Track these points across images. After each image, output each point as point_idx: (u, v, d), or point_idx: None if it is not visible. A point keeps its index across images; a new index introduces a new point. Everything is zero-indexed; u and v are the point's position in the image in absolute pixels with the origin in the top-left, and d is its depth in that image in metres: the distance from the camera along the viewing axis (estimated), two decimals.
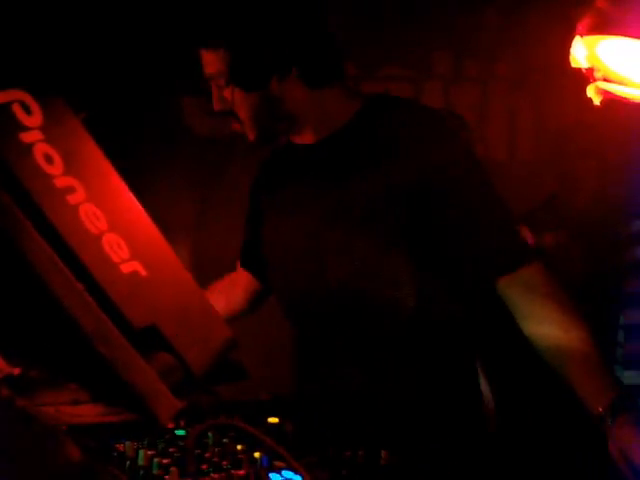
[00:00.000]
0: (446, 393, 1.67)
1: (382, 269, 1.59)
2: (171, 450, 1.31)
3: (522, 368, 2.33)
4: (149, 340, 0.90)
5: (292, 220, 1.74)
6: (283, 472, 1.24)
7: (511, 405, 2.29)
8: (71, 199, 0.86)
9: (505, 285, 1.59)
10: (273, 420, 1.42)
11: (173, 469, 1.21)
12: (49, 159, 0.85)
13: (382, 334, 1.63)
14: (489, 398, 1.96)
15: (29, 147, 0.83)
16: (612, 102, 1.33)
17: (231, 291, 2.07)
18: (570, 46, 1.36)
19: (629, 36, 1.25)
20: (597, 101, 1.33)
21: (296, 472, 1.23)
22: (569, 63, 1.35)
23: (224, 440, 1.34)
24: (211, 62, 1.65)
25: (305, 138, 1.74)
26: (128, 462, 1.25)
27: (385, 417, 1.64)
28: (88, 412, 1.02)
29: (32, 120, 0.84)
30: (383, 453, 1.34)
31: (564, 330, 1.55)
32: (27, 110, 0.84)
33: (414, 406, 1.65)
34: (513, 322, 1.60)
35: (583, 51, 1.32)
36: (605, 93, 1.34)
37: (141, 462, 1.25)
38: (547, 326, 1.55)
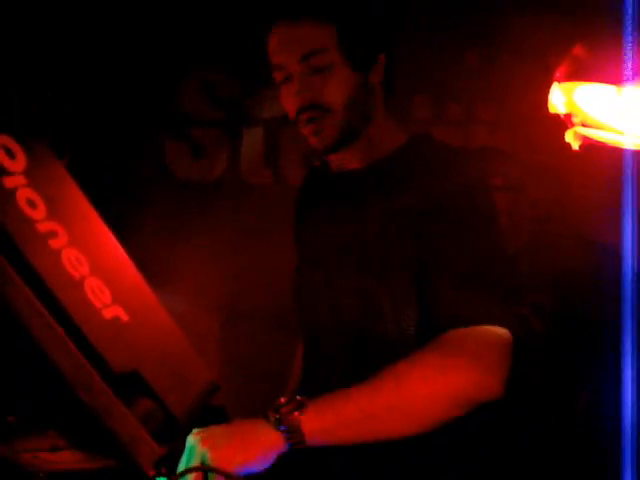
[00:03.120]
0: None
1: (392, 310, 1.56)
2: None
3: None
4: (130, 385, 0.90)
5: (309, 252, 1.72)
6: None
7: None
8: (53, 244, 0.86)
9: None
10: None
11: None
12: (32, 204, 0.85)
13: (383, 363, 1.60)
14: None
15: (12, 192, 0.83)
16: (590, 147, 1.35)
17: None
18: (548, 92, 1.38)
19: (605, 82, 1.28)
20: (576, 146, 1.34)
21: None
22: (547, 109, 1.37)
23: None
24: (314, 37, 1.49)
25: (351, 160, 1.66)
26: None
27: (380, 452, 1.61)
28: (67, 459, 1.00)
29: (15, 165, 0.84)
30: None
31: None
32: (11, 154, 0.84)
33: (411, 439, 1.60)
34: None
35: (561, 97, 1.34)
36: (583, 138, 1.36)
37: None
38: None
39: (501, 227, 1.57)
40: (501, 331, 1.43)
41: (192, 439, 1.14)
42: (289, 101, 1.57)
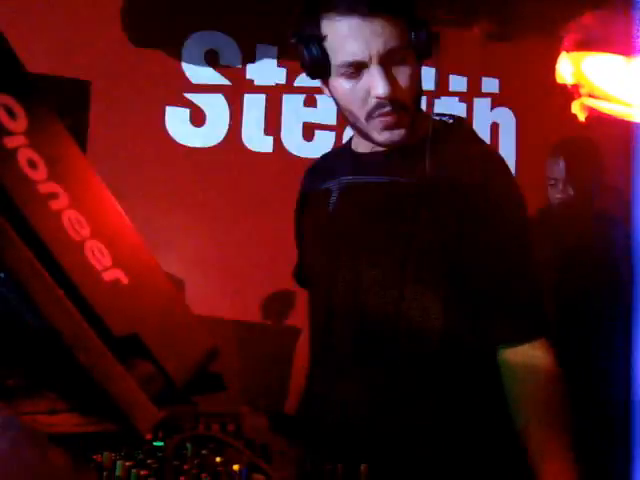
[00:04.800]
0: (467, 420, 1.62)
1: (416, 296, 1.56)
2: (149, 461, 1.30)
3: None
4: (130, 349, 0.89)
5: (325, 235, 1.71)
6: None
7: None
8: (54, 205, 0.85)
9: (503, 353, 1.57)
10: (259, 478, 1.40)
11: None
12: (33, 164, 0.84)
13: (408, 358, 1.60)
14: None
15: (13, 152, 0.82)
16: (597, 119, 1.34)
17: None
18: (555, 64, 1.37)
19: (614, 53, 1.26)
20: (582, 117, 1.33)
21: None
22: (554, 80, 1.35)
23: (203, 452, 1.33)
24: (391, 34, 1.50)
25: (368, 146, 1.68)
26: (105, 473, 1.24)
27: (395, 436, 1.61)
28: (65, 422, 1.00)
29: (16, 125, 0.83)
30: (362, 467, 1.33)
31: (542, 428, 1.52)
32: (11, 114, 0.83)
33: (430, 430, 1.61)
34: None
35: (569, 67, 1.33)
36: (590, 109, 1.35)
37: (119, 473, 1.23)
38: (527, 415, 1.54)
39: (530, 232, 1.58)
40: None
41: None
42: (357, 95, 1.55)
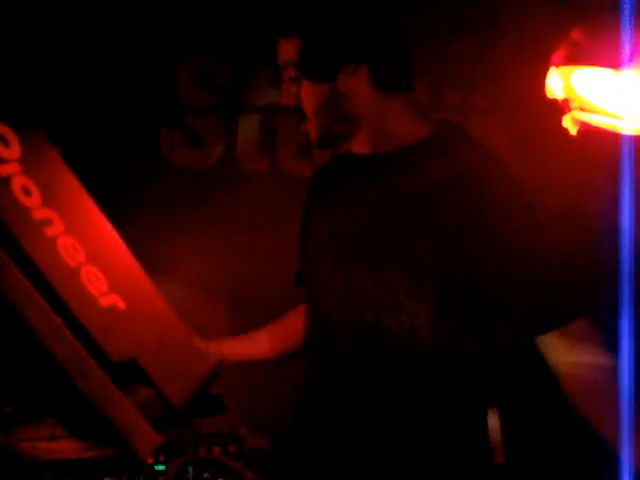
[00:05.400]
0: (453, 430, 1.62)
1: (407, 304, 1.57)
2: None
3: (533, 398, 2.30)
4: (128, 374, 0.89)
5: (325, 242, 1.72)
6: None
7: (521, 435, 2.26)
8: (49, 231, 0.85)
9: (545, 340, 1.56)
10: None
11: None
12: (27, 191, 0.84)
13: (400, 366, 1.60)
14: (497, 429, 1.93)
15: (7, 180, 0.82)
16: (587, 132, 1.34)
17: (273, 343, 1.99)
18: (545, 77, 1.37)
19: (602, 66, 1.27)
20: (573, 131, 1.34)
21: None
22: (545, 94, 1.36)
23: (205, 475, 1.32)
24: (285, 50, 1.64)
25: (363, 148, 1.71)
26: None
27: (389, 447, 1.61)
28: (66, 448, 1.00)
29: (10, 152, 0.83)
30: None
31: (602, 392, 1.52)
32: (5, 142, 0.83)
33: (420, 438, 1.61)
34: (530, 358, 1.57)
35: (558, 81, 1.34)
36: (581, 123, 1.35)
37: None
38: (586, 386, 1.53)
39: (538, 218, 1.58)
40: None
41: None
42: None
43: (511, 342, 1.60)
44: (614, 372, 1.52)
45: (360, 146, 1.69)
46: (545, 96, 1.35)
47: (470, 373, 1.62)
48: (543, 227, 1.57)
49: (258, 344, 1.97)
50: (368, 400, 1.64)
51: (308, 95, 1.64)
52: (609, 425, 1.50)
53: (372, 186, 1.68)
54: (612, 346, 1.57)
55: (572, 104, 1.34)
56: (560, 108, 1.34)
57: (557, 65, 1.31)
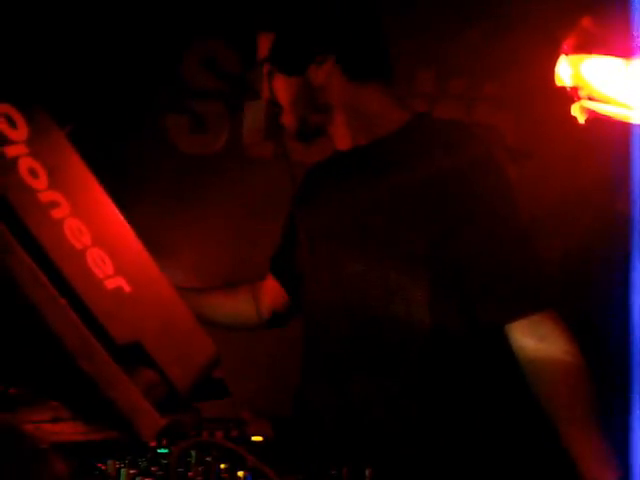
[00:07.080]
0: (456, 414, 1.62)
1: (400, 290, 1.58)
2: (153, 469, 1.29)
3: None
4: (132, 356, 0.89)
5: (316, 231, 1.74)
6: None
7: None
8: (55, 214, 0.85)
9: (512, 329, 1.56)
10: (257, 439, 1.41)
11: None
12: (34, 173, 0.84)
13: (397, 352, 1.61)
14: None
15: (14, 161, 0.82)
16: (596, 121, 1.34)
17: (257, 297, 2.02)
18: (554, 66, 1.37)
19: (613, 55, 1.26)
20: (581, 120, 1.33)
21: None
22: (553, 83, 1.35)
23: (207, 459, 1.32)
24: (262, 46, 1.68)
25: (342, 140, 1.72)
26: None
27: (390, 434, 1.62)
28: (69, 430, 1.00)
29: (17, 134, 0.83)
30: (367, 471, 1.33)
31: (566, 391, 1.54)
32: (12, 123, 0.83)
33: (421, 425, 1.61)
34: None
35: (568, 70, 1.33)
36: (589, 112, 1.35)
37: None
38: (548, 382, 1.54)
39: (517, 203, 1.59)
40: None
41: None
42: None
43: (489, 324, 1.60)
44: (580, 367, 1.53)
45: (341, 138, 1.72)
46: (553, 85, 1.34)
47: (467, 356, 1.63)
48: (521, 217, 1.59)
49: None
50: (366, 387, 1.64)
51: (282, 89, 1.68)
52: (565, 419, 1.51)
53: (359, 179, 1.70)
54: (597, 348, 1.59)
55: (581, 93, 1.33)
56: (569, 96, 1.34)
57: (567, 53, 1.30)
